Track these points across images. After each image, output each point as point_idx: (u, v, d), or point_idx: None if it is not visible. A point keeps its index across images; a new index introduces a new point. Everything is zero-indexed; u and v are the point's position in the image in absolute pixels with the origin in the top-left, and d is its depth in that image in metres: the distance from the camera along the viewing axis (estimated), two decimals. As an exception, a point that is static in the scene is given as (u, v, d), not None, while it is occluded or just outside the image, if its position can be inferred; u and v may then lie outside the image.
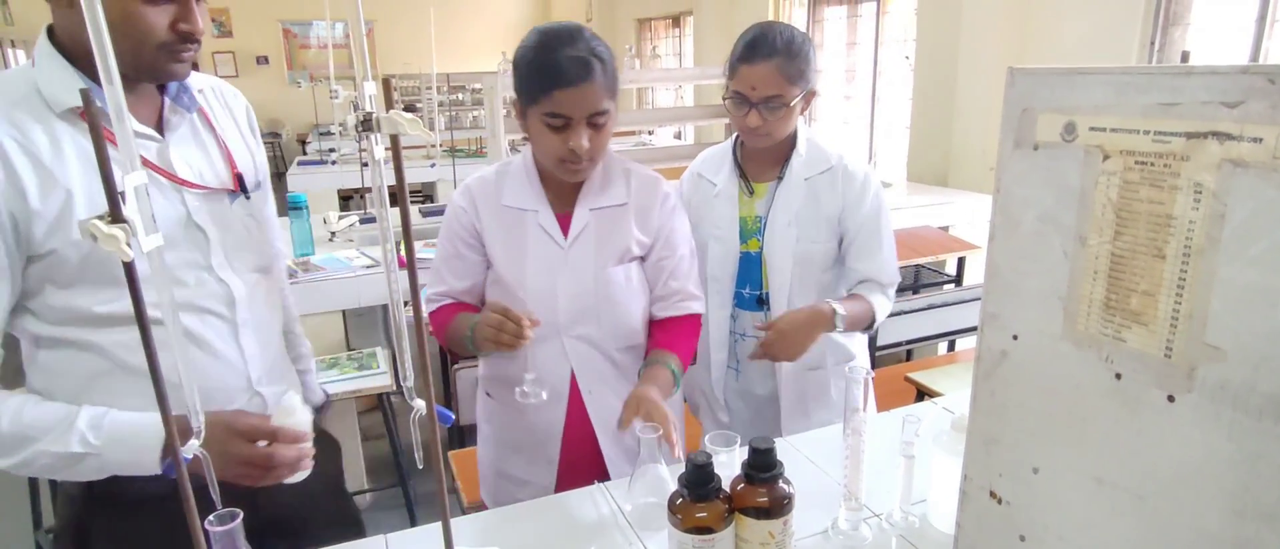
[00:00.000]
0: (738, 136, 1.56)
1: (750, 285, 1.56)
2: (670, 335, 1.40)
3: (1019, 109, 0.68)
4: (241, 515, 0.82)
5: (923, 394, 2.30)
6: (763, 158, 1.54)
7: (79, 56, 0.96)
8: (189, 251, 1.04)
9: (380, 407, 2.51)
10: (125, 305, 0.96)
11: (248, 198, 1.12)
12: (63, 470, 0.97)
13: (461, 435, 2.59)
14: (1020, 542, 0.75)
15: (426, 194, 5.68)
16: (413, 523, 2.48)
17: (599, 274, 1.33)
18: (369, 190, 4.51)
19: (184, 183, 1.04)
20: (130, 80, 0.97)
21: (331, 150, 5.66)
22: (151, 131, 1.03)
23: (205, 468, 0.79)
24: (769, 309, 1.54)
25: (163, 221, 1.00)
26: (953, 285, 3.45)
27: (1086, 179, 0.63)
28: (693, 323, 1.43)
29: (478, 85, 7.10)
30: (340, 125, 4.80)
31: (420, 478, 2.69)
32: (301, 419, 1.02)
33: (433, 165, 5.06)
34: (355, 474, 2.68)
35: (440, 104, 5.54)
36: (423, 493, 2.66)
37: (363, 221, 3.32)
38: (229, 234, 1.09)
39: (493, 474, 1.48)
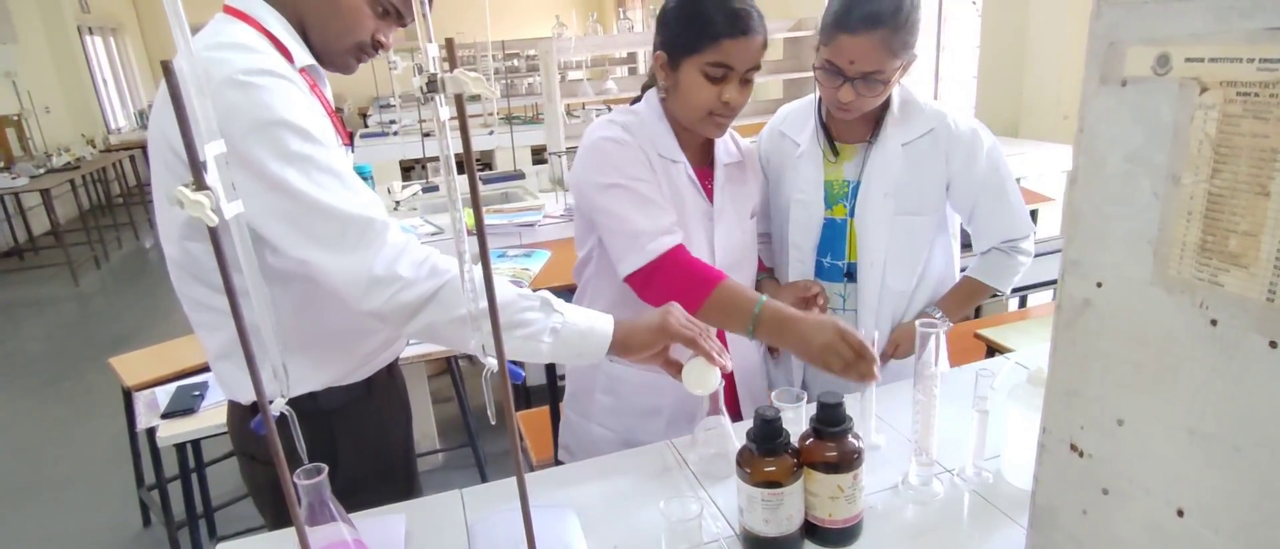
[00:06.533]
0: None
1: (832, 255, 1.45)
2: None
3: (1105, 42, 0.64)
4: (327, 469, 0.86)
5: (993, 350, 2.24)
6: (851, 119, 1.39)
7: (289, 19, 1.03)
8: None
9: (449, 369, 2.58)
10: None
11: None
12: (518, 348, 0.99)
13: (528, 396, 2.66)
14: (1103, 495, 0.73)
15: (485, 162, 5.76)
16: (483, 480, 2.56)
17: (745, 226, 1.38)
18: (431, 160, 4.60)
19: (348, 137, 1.13)
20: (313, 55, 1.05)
21: (392, 122, 5.77)
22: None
23: (291, 425, 0.83)
24: (857, 283, 1.43)
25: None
26: (1024, 239, 3.32)
27: (1181, 114, 0.59)
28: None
29: (532, 52, 7.12)
30: (400, 97, 4.88)
31: (488, 438, 2.77)
32: None
33: (490, 133, 5.12)
34: (427, 434, 2.78)
35: (495, 71, 5.57)
36: (490, 453, 2.75)
37: (425, 190, 3.38)
38: None
39: (619, 443, 1.39)
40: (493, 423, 0.83)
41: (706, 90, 1.20)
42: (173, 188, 0.97)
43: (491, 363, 0.79)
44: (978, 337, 2.29)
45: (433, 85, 0.65)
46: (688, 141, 1.32)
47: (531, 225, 2.92)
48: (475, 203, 0.70)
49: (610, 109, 5.72)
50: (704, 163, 1.35)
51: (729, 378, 1.40)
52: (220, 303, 1.04)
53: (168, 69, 0.58)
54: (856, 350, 1.07)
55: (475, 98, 0.68)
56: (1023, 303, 3.03)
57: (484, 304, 0.72)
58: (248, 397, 1.10)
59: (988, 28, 4.14)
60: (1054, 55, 3.60)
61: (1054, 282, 2.73)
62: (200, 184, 0.60)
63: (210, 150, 0.63)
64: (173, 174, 0.97)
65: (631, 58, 7.32)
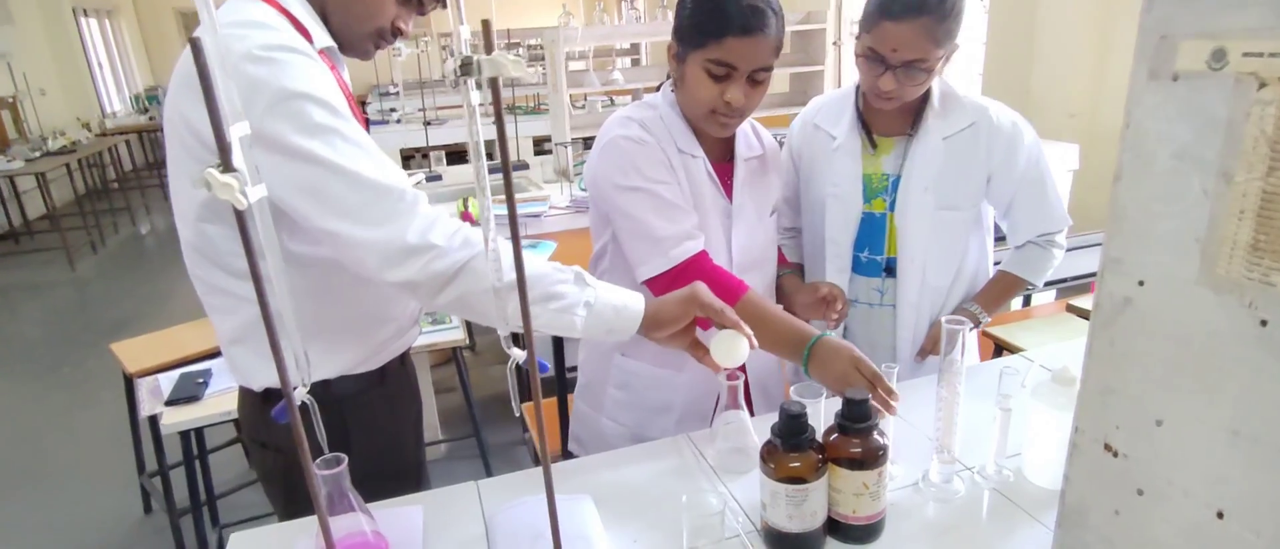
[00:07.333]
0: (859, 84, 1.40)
1: (871, 249, 1.43)
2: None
3: (1156, 36, 0.62)
4: (346, 460, 0.85)
5: (1000, 349, 2.23)
6: (890, 111, 1.37)
7: (311, 1, 1.03)
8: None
9: (453, 360, 2.57)
10: None
11: None
12: (551, 321, 1.00)
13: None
14: (1138, 496, 0.72)
15: (486, 152, 5.72)
16: (488, 471, 2.55)
17: (766, 225, 1.35)
18: (434, 149, 4.56)
19: (365, 122, 1.10)
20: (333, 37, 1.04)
21: (393, 110, 5.74)
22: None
23: (312, 414, 0.82)
24: (896, 278, 1.41)
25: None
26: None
27: (1236, 110, 0.58)
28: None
29: (535, 41, 7.09)
30: (402, 83, 4.84)
31: (491, 430, 2.76)
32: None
33: (494, 122, 5.08)
34: (429, 425, 2.77)
35: (498, 61, 5.54)
36: (493, 444, 2.74)
37: (429, 179, 3.36)
38: None
39: (629, 438, 1.38)
40: (517, 415, 0.82)
41: (709, 88, 1.16)
42: (190, 169, 0.96)
43: (517, 354, 0.78)
44: (986, 335, 2.29)
45: (467, 68, 0.64)
46: (706, 135, 1.28)
47: (538, 216, 2.90)
48: (507, 186, 0.69)
49: (614, 101, 5.66)
50: (724, 157, 1.32)
51: (746, 375, 1.39)
52: (235, 286, 1.03)
53: (195, 46, 0.56)
54: (871, 380, 1.06)
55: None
56: (1027, 301, 3.02)
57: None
58: (262, 382, 1.09)
59: (994, 25, 4.13)
60: (1061, 53, 3.59)
61: (1060, 280, 2.73)
62: (227, 165, 0.59)
63: (236, 132, 0.61)
64: (190, 155, 0.95)
65: (635, 48, 7.28)
